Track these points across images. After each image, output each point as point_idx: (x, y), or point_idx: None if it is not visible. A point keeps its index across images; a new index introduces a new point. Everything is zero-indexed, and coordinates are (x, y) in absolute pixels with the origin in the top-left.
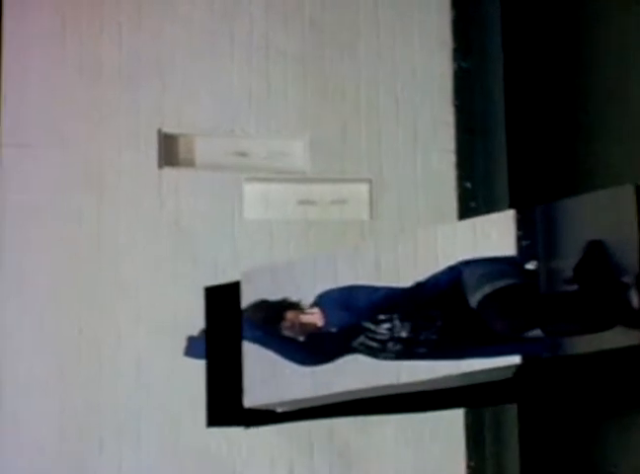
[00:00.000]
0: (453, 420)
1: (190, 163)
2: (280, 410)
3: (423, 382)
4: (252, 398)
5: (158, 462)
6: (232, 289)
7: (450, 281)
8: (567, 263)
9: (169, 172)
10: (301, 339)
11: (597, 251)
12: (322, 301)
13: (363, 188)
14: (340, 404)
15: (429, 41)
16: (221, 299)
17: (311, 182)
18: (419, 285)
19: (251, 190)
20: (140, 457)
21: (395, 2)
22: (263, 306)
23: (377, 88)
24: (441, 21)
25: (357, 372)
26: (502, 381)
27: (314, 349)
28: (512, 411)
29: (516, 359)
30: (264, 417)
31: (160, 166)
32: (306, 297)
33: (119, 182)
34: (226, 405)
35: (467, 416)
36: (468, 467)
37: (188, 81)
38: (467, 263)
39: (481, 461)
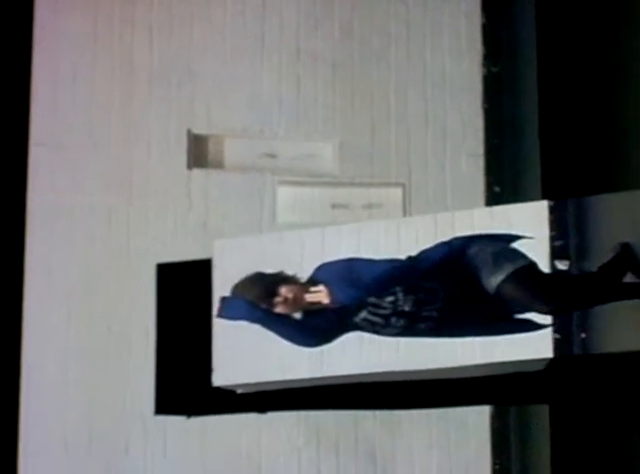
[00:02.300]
0: (479, 423)
1: (219, 164)
2: (239, 391)
3: (444, 370)
4: (222, 377)
5: (184, 464)
6: (190, 268)
7: (447, 256)
8: (598, 263)
9: (198, 173)
10: (297, 316)
11: (625, 253)
12: (322, 276)
13: (396, 192)
14: (327, 394)
15: (459, 46)
16: (178, 277)
17: (344, 186)
18: (412, 259)
19: (283, 193)
20: (166, 459)
21: (425, 6)
22: (258, 279)
23: (407, 91)
24: (471, 25)
25: (361, 355)
26: (532, 378)
27: (313, 327)
28: (538, 414)
29: (548, 353)
30: (216, 405)
31: (189, 167)
32: (298, 270)
33: (147, 182)
34: (177, 391)
35: (493, 419)
36: (493, 471)
37: (218, 83)
38: (469, 239)
39: (506, 464)
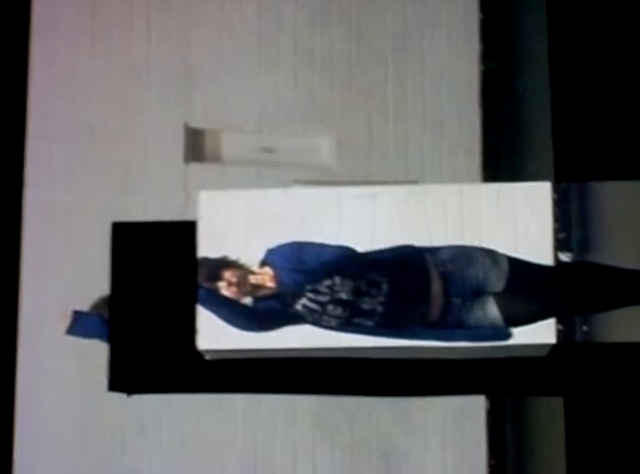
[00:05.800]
0: (475, 418)
1: (216, 158)
2: (208, 358)
3: (445, 349)
4: (207, 340)
5: (181, 458)
6: (148, 229)
7: (402, 254)
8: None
9: (195, 167)
10: (246, 301)
11: None
12: (271, 259)
13: None
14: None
15: (456, 42)
16: (134, 240)
17: (354, 184)
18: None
19: None
20: (163, 454)
21: (423, 2)
22: (202, 264)
23: (404, 87)
24: (469, 22)
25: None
26: (535, 370)
27: (259, 313)
28: (533, 410)
29: (551, 339)
30: (172, 383)
31: (186, 161)
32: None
33: (145, 176)
34: (133, 368)
35: (489, 415)
36: (489, 466)
37: (215, 77)
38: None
39: (502, 460)
